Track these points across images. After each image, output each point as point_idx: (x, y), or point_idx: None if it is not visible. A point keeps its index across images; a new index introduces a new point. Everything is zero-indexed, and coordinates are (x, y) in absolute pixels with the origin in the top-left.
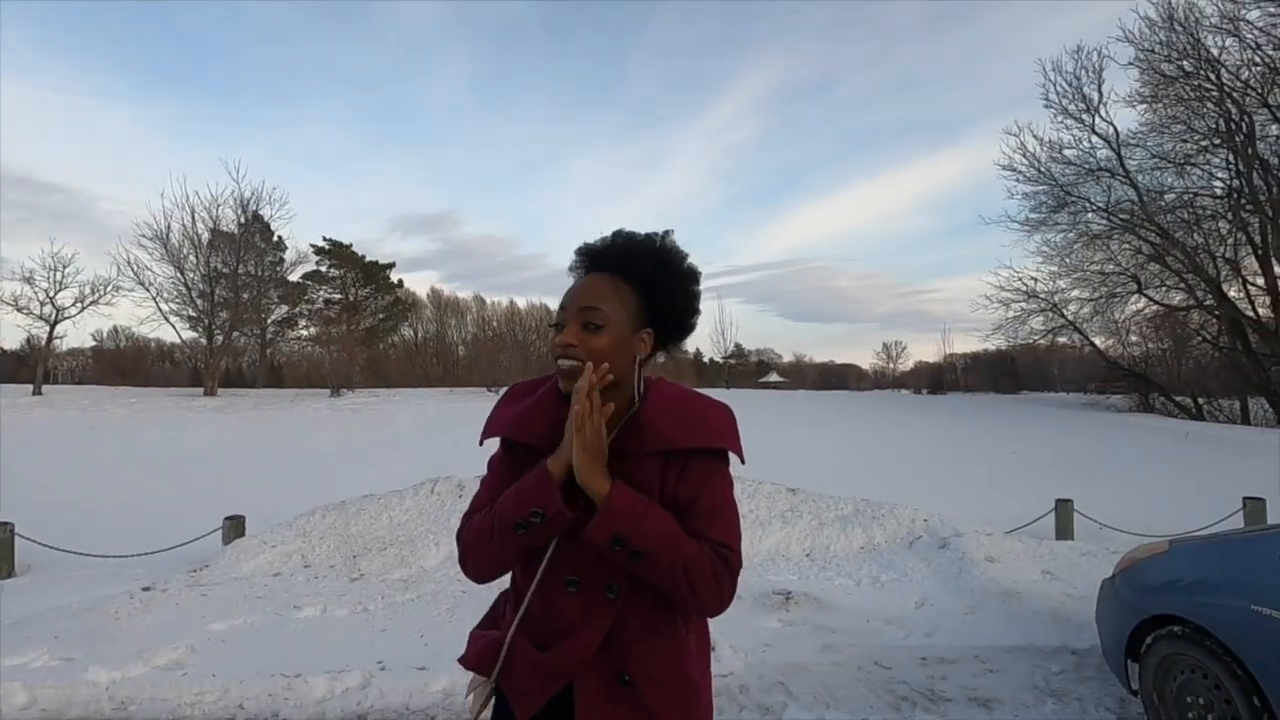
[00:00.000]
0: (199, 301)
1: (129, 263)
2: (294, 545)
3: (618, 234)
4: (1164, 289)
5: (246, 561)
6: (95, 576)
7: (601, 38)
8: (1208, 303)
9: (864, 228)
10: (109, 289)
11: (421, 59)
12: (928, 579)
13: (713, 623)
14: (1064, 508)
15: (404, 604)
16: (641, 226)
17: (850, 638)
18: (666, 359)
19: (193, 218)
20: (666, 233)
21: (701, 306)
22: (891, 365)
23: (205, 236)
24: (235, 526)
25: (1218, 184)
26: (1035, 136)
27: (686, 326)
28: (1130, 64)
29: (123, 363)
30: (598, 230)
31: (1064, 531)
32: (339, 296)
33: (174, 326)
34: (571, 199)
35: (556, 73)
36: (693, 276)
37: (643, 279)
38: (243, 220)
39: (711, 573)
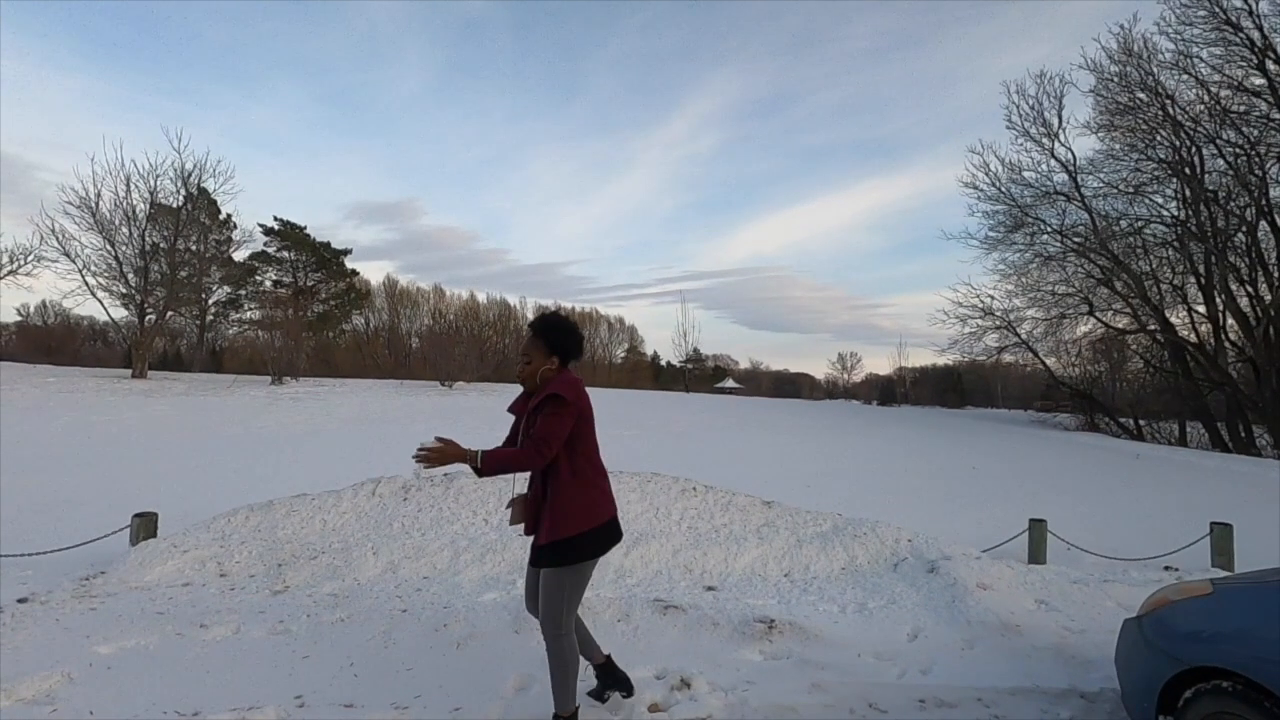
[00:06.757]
0: (130, 276)
1: (53, 231)
2: (209, 550)
3: (535, 318)
4: (1111, 312)
5: (151, 568)
6: None
7: (566, 41)
8: (1151, 327)
9: (818, 241)
10: (30, 259)
11: (384, 47)
12: (918, 607)
13: (689, 657)
14: (1038, 528)
15: (333, 624)
16: (602, 227)
17: (840, 674)
18: (623, 362)
19: (127, 186)
20: (554, 312)
21: (573, 340)
22: (845, 375)
23: (141, 208)
24: (145, 525)
25: (1167, 213)
26: (997, 157)
27: (570, 351)
28: (1090, 91)
29: (50, 340)
30: (561, 227)
31: (1037, 553)
32: (289, 280)
33: (101, 302)
34: (534, 196)
35: (521, 72)
36: (557, 331)
37: (544, 335)
38: (184, 192)
39: (529, 454)
